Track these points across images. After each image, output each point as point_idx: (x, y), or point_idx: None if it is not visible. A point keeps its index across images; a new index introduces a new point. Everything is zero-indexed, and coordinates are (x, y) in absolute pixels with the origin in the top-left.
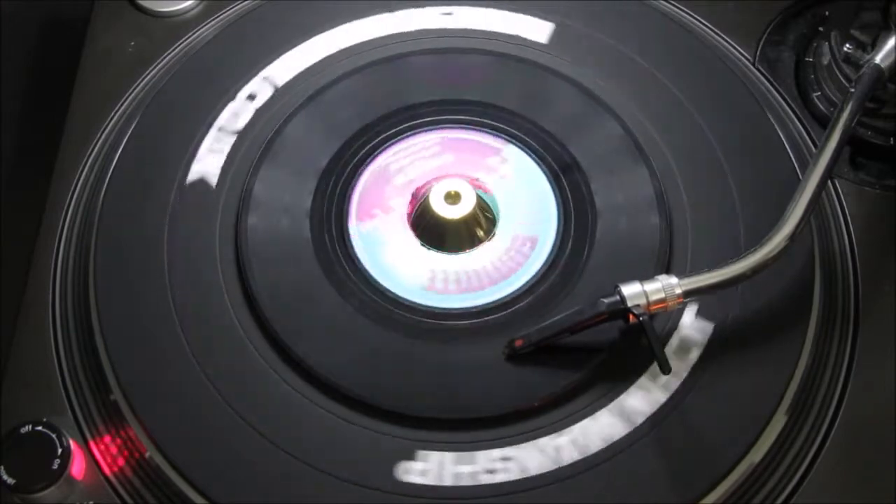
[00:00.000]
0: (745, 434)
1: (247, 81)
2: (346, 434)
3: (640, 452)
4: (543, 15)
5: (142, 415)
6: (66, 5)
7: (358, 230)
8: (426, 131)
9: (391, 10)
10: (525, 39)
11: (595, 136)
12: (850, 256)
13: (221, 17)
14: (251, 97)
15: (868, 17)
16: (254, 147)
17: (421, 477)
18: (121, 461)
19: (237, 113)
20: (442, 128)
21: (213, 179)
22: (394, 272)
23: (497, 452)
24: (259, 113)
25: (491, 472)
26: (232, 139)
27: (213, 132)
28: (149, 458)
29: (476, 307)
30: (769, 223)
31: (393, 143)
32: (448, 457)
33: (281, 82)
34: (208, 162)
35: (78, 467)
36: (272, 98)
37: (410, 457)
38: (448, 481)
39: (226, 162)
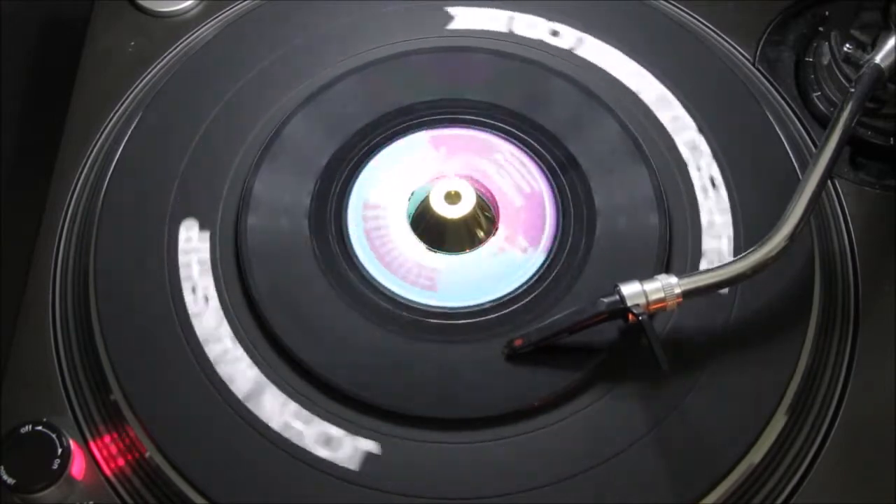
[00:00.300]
0: (745, 434)
1: None
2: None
3: (640, 452)
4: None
5: (142, 415)
6: (66, 5)
7: (390, 150)
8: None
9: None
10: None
11: (595, 136)
12: (850, 256)
13: (221, 17)
14: None
15: (868, 17)
16: (254, 147)
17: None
18: (121, 461)
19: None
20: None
21: None
22: (362, 190)
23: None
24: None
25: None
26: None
27: None
28: (149, 458)
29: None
30: (769, 223)
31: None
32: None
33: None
34: None
35: (78, 467)
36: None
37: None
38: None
39: None
